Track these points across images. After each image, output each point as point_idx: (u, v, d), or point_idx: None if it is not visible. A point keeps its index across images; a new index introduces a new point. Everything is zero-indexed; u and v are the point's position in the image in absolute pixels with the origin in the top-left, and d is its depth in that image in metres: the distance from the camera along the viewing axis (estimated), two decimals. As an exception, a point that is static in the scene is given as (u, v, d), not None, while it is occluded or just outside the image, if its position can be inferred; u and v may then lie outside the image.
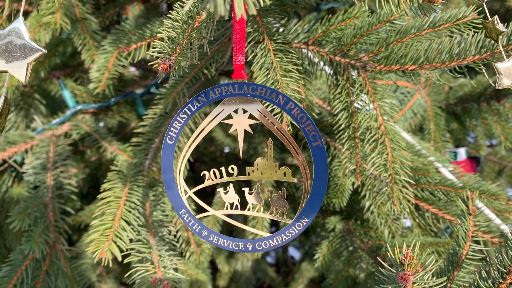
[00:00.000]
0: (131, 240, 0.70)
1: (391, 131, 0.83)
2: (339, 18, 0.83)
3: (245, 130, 0.47)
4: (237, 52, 0.46)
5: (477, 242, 0.75)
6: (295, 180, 0.51)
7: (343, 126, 0.86)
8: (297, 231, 0.52)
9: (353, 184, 1.04)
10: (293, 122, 0.53)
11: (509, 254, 0.62)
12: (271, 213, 0.54)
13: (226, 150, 1.74)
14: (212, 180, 0.49)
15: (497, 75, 0.51)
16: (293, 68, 0.68)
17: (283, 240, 0.53)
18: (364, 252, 1.12)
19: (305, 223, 0.51)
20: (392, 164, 0.82)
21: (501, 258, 0.63)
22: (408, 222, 1.14)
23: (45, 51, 0.39)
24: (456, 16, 0.79)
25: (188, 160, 0.55)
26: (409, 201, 0.84)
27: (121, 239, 0.68)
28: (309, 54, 0.89)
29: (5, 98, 0.40)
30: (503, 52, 0.52)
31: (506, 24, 0.68)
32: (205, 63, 0.78)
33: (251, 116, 0.47)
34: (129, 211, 0.71)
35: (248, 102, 0.47)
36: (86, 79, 1.13)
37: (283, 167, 0.47)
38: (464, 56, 0.77)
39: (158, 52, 0.45)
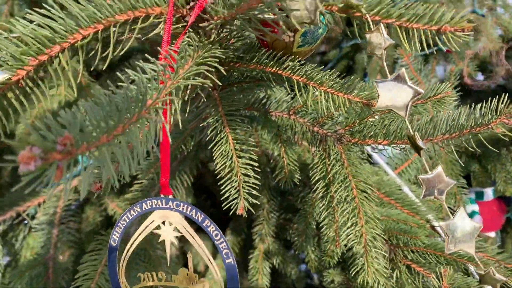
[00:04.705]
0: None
1: (366, 203, 0.84)
2: (315, 93, 0.85)
3: (171, 241, 0.52)
4: (163, 173, 0.51)
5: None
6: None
7: (320, 194, 0.88)
8: None
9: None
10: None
11: None
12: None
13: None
14: (147, 282, 0.55)
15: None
16: (251, 156, 0.71)
17: None
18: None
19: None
20: (365, 236, 0.84)
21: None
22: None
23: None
24: (427, 93, 0.79)
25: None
26: (383, 274, 0.85)
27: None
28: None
29: None
30: (427, 167, 0.53)
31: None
32: (184, 139, 0.84)
33: (176, 229, 0.52)
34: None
35: (174, 215, 0.52)
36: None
37: (202, 279, 0.51)
38: (435, 135, 0.78)
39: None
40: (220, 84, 0.57)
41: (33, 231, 1.01)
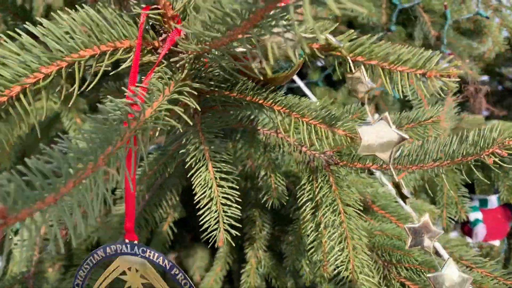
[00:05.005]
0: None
1: (353, 227, 0.81)
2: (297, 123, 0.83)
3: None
4: (127, 218, 0.49)
5: None
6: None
7: (308, 217, 0.86)
8: None
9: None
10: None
11: None
12: None
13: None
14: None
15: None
16: (231, 185, 0.69)
17: None
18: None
19: None
20: (352, 261, 0.81)
21: None
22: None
23: None
24: (418, 117, 0.77)
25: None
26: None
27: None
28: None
29: None
30: (411, 212, 0.51)
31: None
32: (165, 160, 0.82)
33: (142, 276, 0.50)
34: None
35: (139, 262, 0.50)
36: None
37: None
38: (426, 161, 0.75)
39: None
40: (191, 123, 0.55)
41: (15, 248, 0.99)
